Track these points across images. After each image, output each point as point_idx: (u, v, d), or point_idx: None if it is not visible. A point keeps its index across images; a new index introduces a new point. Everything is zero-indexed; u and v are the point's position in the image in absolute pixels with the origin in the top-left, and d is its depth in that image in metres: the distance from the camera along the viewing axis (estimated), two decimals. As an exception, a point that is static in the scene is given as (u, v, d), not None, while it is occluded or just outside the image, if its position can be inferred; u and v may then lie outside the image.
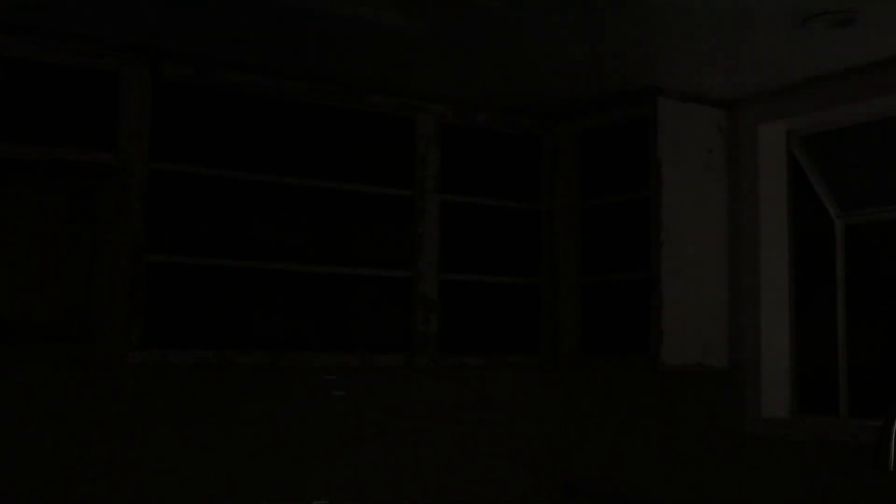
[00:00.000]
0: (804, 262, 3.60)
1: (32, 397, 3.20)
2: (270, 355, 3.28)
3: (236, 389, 3.54)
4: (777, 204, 3.59)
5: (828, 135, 3.55)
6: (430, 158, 3.64)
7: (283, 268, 3.37)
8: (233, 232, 3.52)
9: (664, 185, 3.47)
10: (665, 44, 3.07)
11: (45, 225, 3.27)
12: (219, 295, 3.53)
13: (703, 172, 3.58)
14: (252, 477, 3.54)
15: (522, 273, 3.90)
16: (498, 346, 3.86)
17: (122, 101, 3.08)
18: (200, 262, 3.25)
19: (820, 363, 3.56)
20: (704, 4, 2.74)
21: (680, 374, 3.62)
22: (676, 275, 3.47)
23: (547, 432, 4.18)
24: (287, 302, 3.57)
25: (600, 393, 4.09)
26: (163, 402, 3.41)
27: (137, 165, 3.09)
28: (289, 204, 3.57)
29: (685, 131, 3.55)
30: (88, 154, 3.03)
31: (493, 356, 3.75)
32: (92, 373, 3.28)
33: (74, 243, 3.30)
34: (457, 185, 3.75)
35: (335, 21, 2.91)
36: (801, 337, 3.59)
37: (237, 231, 3.53)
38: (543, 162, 3.92)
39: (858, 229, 3.52)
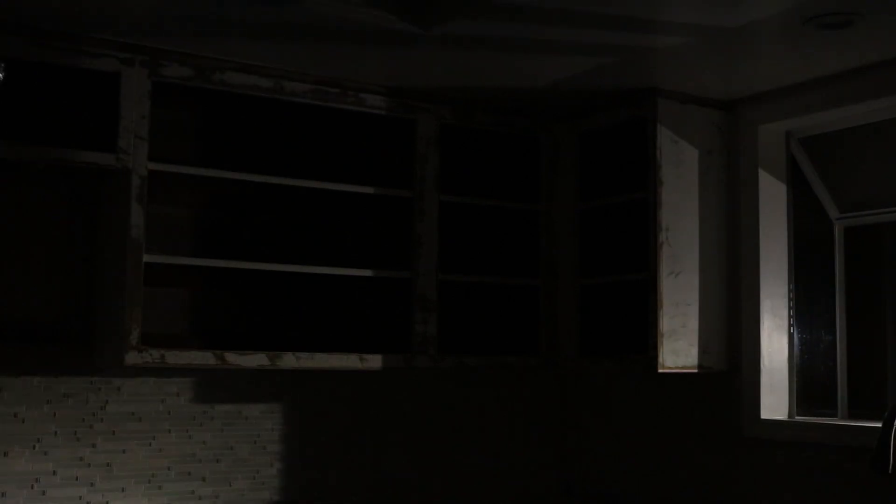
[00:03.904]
0: (803, 264, 3.60)
1: (32, 398, 3.21)
2: (269, 356, 3.28)
3: (235, 390, 3.54)
4: (776, 205, 3.58)
5: (827, 136, 3.55)
6: (430, 159, 3.64)
7: (282, 269, 3.37)
8: (232, 232, 3.53)
9: (663, 186, 3.47)
10: (665, 45, 3.07)
11: (45, 225, 3.27)
12: (217, 296, 3.53)
13: (703, 174, 3.58)
14: (251, 478, 3.54)
15: (521, 274, 3.90)
16: (497, 347, 3.86)
17: (122, 101, 3.08)
18: (199, 262, 3.25)
19: (819, 365, 3.56)
20: (704, 5, 2.74)
21: (679, 375, 3.62)
22: (675, 276, 3.47)
23: (546, 433, 4.18)
24: (286, 303, 3.57)
25: (599, 394, 4.09)
26: (162, 403, 3.41)
27: (137, 166, 3.09)
28: (288, 204, 3.57)
29: (685, 132, 3.55)
30: (88, 154, 3.02)
31: (492, 357, 3.75)
32: (91, 373, 3.29)
33: (74, 243, 3.30)
34: (456, 185, 3.75)
35: (335, 22, 2.91)
36: (799, 339, 3.59)
37: (236, 232, 3.53)
38: (543, 163, 3.92)
39: (857, 231, 3.52)
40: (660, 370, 3.42)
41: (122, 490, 3.32)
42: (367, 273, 3.52)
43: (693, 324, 3.50)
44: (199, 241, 3.46)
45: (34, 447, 3.20)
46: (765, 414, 3.49)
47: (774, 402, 3.52)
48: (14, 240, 3.22)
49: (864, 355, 3.48)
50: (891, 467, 2.65)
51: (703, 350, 3.52)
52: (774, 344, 3.54)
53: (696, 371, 3.51)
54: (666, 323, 3.43)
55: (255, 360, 3.26)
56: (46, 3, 2.79)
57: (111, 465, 3.31)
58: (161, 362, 3.09)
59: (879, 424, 2.70)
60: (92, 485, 3.28)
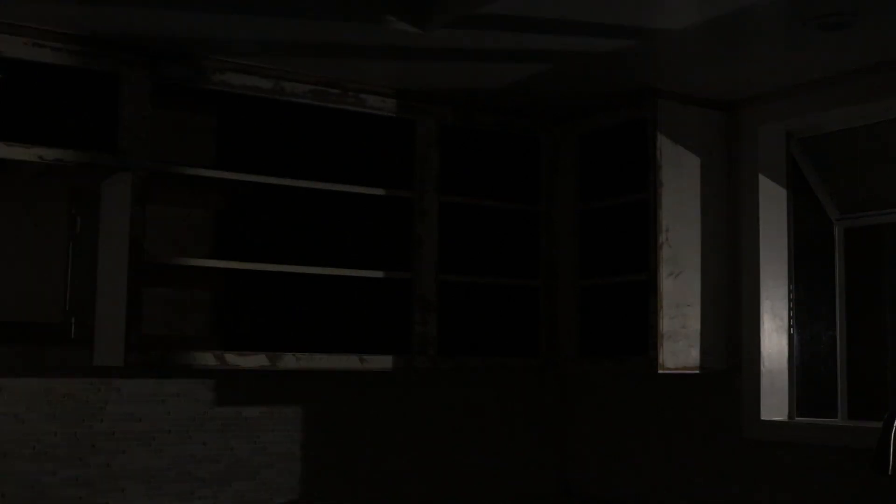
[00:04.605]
0: (803, 265, 3.60)
1: (32, 399, 3.21)
2: (269, 357, 3.27)
3: (235, 391, 3.54)
4: (776, 206, 3.58)
5: (827, 137, 3.55)
6: (430, 160, 3.64)
7: (281, 269, 3.37)
8: (231, 233, 3.53)
9: (663, 187, 3.47)
10: (665, 45, 3.07)
11: (45, 225, 3.27)
12: (217, 297, 3.53)
13: (703, 174, 3.58)
14: (251, 478, 3.54)
15: (521, 275, 3.89)
16: (497, 348, 3.86)
17: (122, 102, 3.08)
18: (198, 263, 3.25)
19: (819, 366, 3.56)
20: (704, 6, 2.74)
21: (679, 376, 3.62)
22: (675, 277, 3.47)
23: (545, 434, 4.18)
24: (286, 304, 3.57)
25: (599, 395, 4.09)
26: (162, 404, 3.41)
27: (137, 166, 3.08)
28: (288, 205, 3.57)
29: (685, 133, 3.55)
30: (88, 155, 3.02)
31: (491, 358, 3.75)
32: (91, 374, 3.29)
33: (74, 243, 3.30)
34: (456, 186, 3.75)
35: (335, 23, 2.91)
36: (800, 340, 3.59)
37: (235, 232, 3.53)
38: (543, 163, 3.92)
39: (857, 232, 3.52)
40: (660, 371, 3.41)
41: (122, 490, 3.32)
42: (367, 274, 3.51)
43: (693, 325, 3.50)
44: (198, 241, 3.45)
45: (34, 447, 3.20)
46: (765, 415, 3.49)
47: (774, 403, 3.52)
48: (15, 239, 3.22)
49: (865, 356, 3.48)
50: (891, 468, 2.65)
51: (704, 351, 3.52)
52: (774, 345, 3.54)
53: (696, 372, 3.51)
54: (666, 324, 3.43)
55: (255, 360, 3.26)
56: (46, 3, 2.79)
57: (111, 466, 3.31)
58: (161, 363, 3.09)
59: (879, 425, 2.69)
60: (92, 485, 3.28)
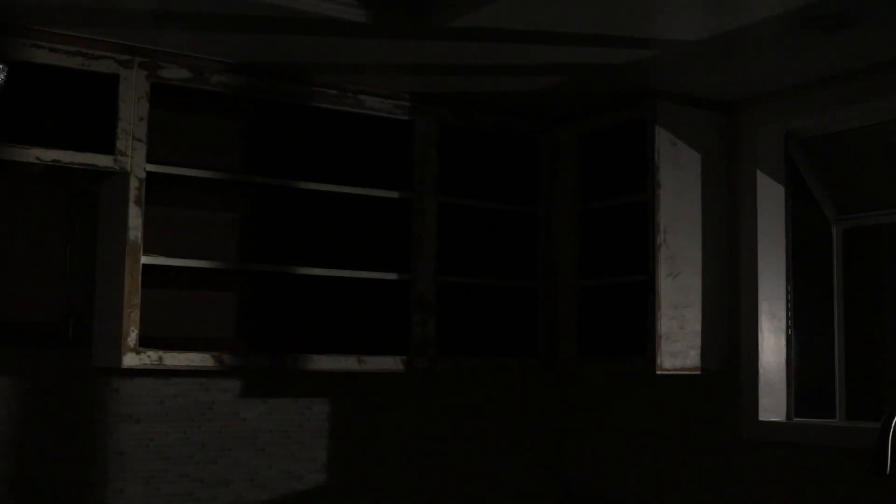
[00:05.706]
0: (802, 266, 3.60)
1: (30, 399, 3.21)
2: (268, 358, 3.28)
3: (234, 392, 3.54)
4: (775, 207, 3.58)
5: (826, 138, 3.55)
6: (429, 160, 3.64)
7: (280, 270, 3.37)
8: (230, 234, 3.53)
9: (662, 188, 3.47)
10: (664, 47, 3.06)
11: (45, 226, 3.27)
12: (215, 297, 3.53)
13: (702, 175, 3.58)
14: (250, 479, 3.54)
15: (520, 275, 3.90)
16: (496, 349, 3.86)
17: (121, 103, 3.08)
18: (197, 264, 3.25)
19: (817, 367, 3.56)
20: (703, 7, 2.74)
21: (677, 377, 3.62)
22: (674, 278, 3.47)
23: (544, 435, 4.18)
24: (284, 304, 3.57)
25: (598, 396, 4.09)
26: (160, 405, 3.41)
27: (135, 168, 3.09)
28: (287, 206, 3.57)
29: (684, 134, 3.54)
30: (87, 156, 3.03)
31: (491, 359, 3.75)
32: (89, 375, 3.29)
33: (73, 245, 3.31)
34: (455, 187, 3.75)
35: (334, 24, 2.91)
36: (797, 341, 3.59)
37: (234, 233, 3.53)
38: (542, 164, 3.92)
39: (856, 233, 3.52)
40: (658, 372, 3.41)
41: (121, 492, 3.32)
42: (367, 275, 3.52)
43: (691, 325, 3.50)
44: (196, 243, 3.45)
45: (33, 449, 3.20)
46: (763, 416, 3.49)
47: (772, 404, 3.52)
48: (14, 240, 3.23)
49: (862, 357, 3.48)
50: (889, 468, 2.65)
51: (702, 352, 3.52)
52: (773, 345, 3.54)
53: (694, 373, 3.51)
54: (664, 325, 3.43)
55: (254, 361, 3.26)
56: (46, 3, 2.79)
57: (109, 467, 3.31)
58: (159, 364, 3.09)
59: (878, 426, 2.69)
60: (91, 486, 3.28)
